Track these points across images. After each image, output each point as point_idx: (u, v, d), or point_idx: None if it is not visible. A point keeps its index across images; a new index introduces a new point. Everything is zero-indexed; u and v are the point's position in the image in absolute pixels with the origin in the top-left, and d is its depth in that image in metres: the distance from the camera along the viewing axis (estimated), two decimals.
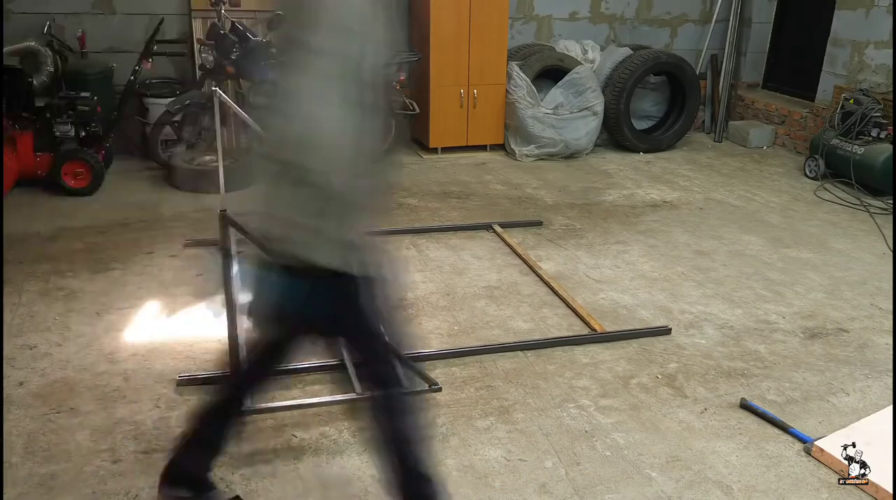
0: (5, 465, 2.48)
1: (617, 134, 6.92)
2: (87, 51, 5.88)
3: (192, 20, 6.10)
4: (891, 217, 5.31)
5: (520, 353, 3.31)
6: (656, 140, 7.06)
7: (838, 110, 6.17)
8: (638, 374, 3.19)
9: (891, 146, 5.70)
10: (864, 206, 5.51)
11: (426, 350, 3.26)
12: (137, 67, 5.43)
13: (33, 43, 5.66)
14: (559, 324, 3.61)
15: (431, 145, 6.58)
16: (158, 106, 5.71)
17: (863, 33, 6.55)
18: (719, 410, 2.95)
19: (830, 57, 6.90)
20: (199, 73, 5.94)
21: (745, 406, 2.94)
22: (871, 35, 6.48)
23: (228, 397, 2.25)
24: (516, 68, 6.48)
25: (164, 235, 4.47)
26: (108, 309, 3.57)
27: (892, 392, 3.11)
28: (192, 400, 2.87)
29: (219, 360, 3.16)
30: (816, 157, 6.19)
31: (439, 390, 2.91)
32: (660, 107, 7.26)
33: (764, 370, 3.27)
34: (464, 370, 3.15)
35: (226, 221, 2.45)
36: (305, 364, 3.11)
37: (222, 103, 4.42)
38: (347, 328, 1.97)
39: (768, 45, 7.86)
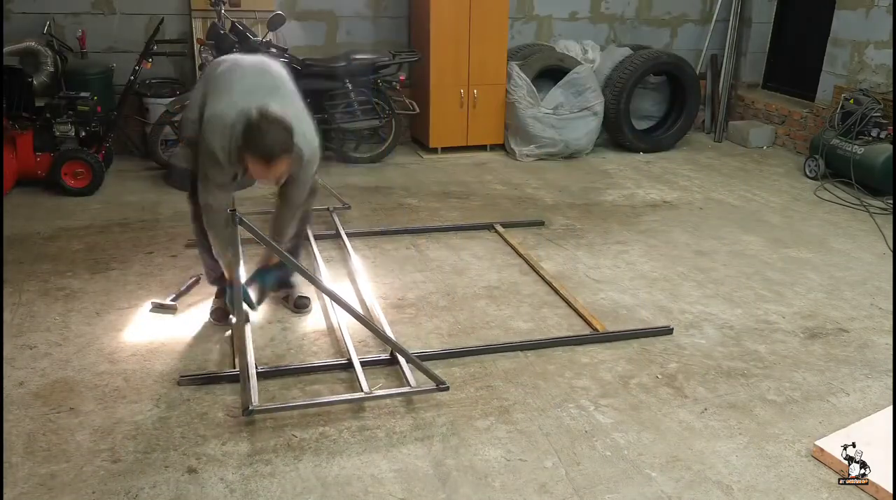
0: (5, 465, 2.48)
1: (617, 134, 6.92)
2: (87, 51, 5.89)
3: (192, 20, 6.10)
4: (891, 217, 5.31)
5: (520, 353, 3.31)
6: (656, 140, 7.07)
7: (838, 110, 6.17)
8: (638, 374, 3.19)
9: (891, 146, 5.70)
10: (864, 206, 5.51)
11: (426, 350, 3.26)
12: (137, 67, 5.43)
13: (33, 43, 5.66)
14: (559, 324, 3.61)
15: (431, 145, 6.58)
16: (158, 106, 5.71)
17: (863, 33, 6.56)
18: (719, 410, 2.95)
19: (830, 57, 6.90)
20: (199, 73, 5.95)
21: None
22: (871, 35, 6.48)
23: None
24: (516, 68, 6.48)
25: (164, 235, 4.47)
26: (108, 309, 3.57)
27: (892, 392, 3.11)
28: (193, 400, 2.87)
29: (219, 360, 3.16)
30: (816, 157, 6.19)
31: (447, 389, 2.92)
32: (660, 107, 7.27)
33: (764, 370, 3.27)
34: (464, 370, 3.15)
35: (234, 219, 2.46)
36: (308, 364, 3.12)
37: None
38: None
39: (768, 45, 7.87)
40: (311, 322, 3.54)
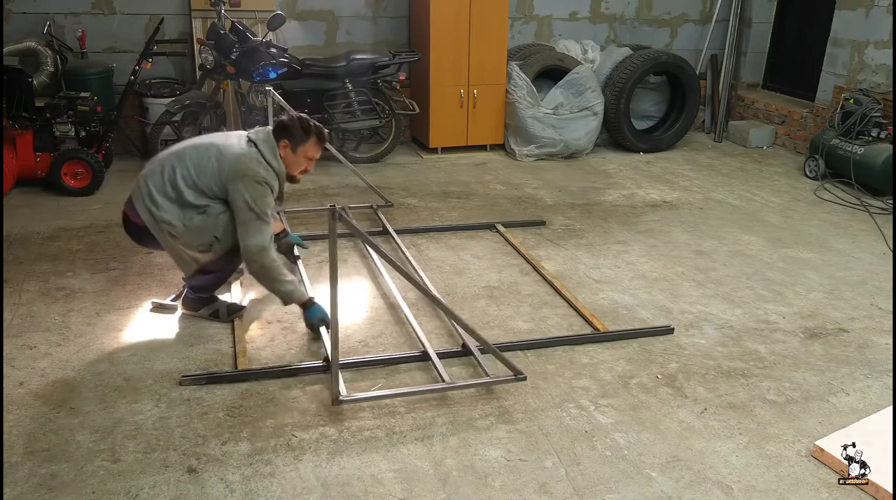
0: (5, 465, 2.48)
1: (617, 134, 6.92)
2: (87, 51, 5.89)
3: (192, 20, 6.10)
4: (891, 217, 5.31)
5: (520, 353, 3.31)
6: (656, 140, 7.07)
7: (838, 110, 6.17)
8: (638, 374, 3.19)
9: (891, 146, 5.70)
10: (864, 206, 5.51)
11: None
12: (137, 67, 5.44)
13: (33, 43, 5.66)
14: (559, 324, 3.61)
15: (431, 145, 6.58)
16: (158, 106, 5.72)
17: (863, 33, 6.56)
18: (719, 410, 2.96)
19: (830, 57, 6.90)
20: (199, 73, 5.95)
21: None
22: (871, 35, 6.48)
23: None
24: (516, 68, 6.48)
25: None
26: (108, 309, 3.57)
27: (892, 392, 3.11)
28: (193, 400, 2.87)
29: (219, 360, 3.16)
30: (816, 157, 6.19)
31: (524, 379, 2.99)
32: (660, 107, 7.27)
33: (764, 370, 3.27)
34: (464, 370, 3.15)
35: (335, 215, 2.53)
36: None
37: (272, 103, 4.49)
38: None
39: (768, 45, 7.87)
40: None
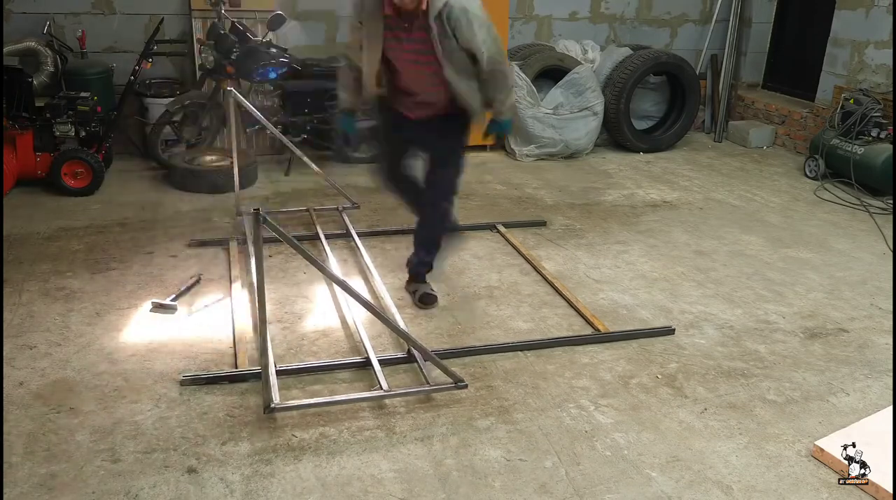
0: (5, 465, 2.48)
1: (617, 134, 6.92)
2: (87, 51, 5.89)
3: (192, 20, 6.10)
4: (891, 217, 5.31)
5: (520, 353, 3.31)
6: (656, 140, 7.06)
7: (838, 110, 6.17)
8: (638, 374, 3.19)
9: (891, 146, 5.71)
10: (864, 206, 5.51)
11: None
12: (137, 67, 5.43)
13: (33, 43, 5.66)
14: (559, 324, 3.61)
15: None
16: (158, 106, 5.71)
17: (863, 33, 6.56)
18: (719, 410, 2.96)
19: (830, 57, 6.90)
20: (199, 73, 5.95)
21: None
22: (871, 35, 6.48)
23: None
24: (516, 68, 6.48)
25: (164, 236, 4.47)
26: (108, 309, 3.57)
27: (892, 392, 3.11)
28: (193, 400, 2.87)
29: (218, 360, 3.16)
30: (816, 157, 6.19)
31: (465, 386, 2.94)
32: (660, 107, 7.26)
33: (764, 370, 3.27)
34: (464, 370, 3.15)
35: (258, 219, 2.49)
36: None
37: (236, 103, 4.46)
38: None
39: (768, 45, 7.87)
40: (310, 322, 3.54)
